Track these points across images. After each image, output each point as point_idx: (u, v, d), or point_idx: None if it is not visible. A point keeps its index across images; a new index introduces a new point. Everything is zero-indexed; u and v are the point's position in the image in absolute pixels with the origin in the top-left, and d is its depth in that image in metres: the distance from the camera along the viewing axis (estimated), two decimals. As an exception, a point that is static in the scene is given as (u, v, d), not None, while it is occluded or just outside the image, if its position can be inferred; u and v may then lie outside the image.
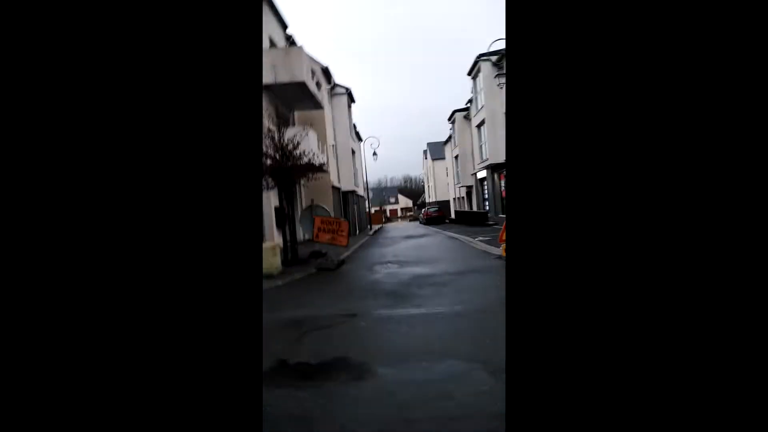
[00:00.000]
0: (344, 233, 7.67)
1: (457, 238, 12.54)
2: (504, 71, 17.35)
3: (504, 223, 6.80)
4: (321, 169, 11.12)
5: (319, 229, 7.67)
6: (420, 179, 60.88)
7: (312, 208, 8.32)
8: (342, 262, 8.04)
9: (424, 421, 2.01)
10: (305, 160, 8.03)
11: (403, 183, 74.31)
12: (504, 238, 6.71)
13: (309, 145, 9.68)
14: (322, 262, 7.57)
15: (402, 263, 7.84)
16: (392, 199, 66.39)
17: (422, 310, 4.23)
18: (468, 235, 12.63)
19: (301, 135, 8.44)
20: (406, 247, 11.32)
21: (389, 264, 7.87)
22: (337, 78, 19.20)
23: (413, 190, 68.25)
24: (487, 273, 6.13)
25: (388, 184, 73.65)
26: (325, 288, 6.03)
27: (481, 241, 10.47)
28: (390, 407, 2.18)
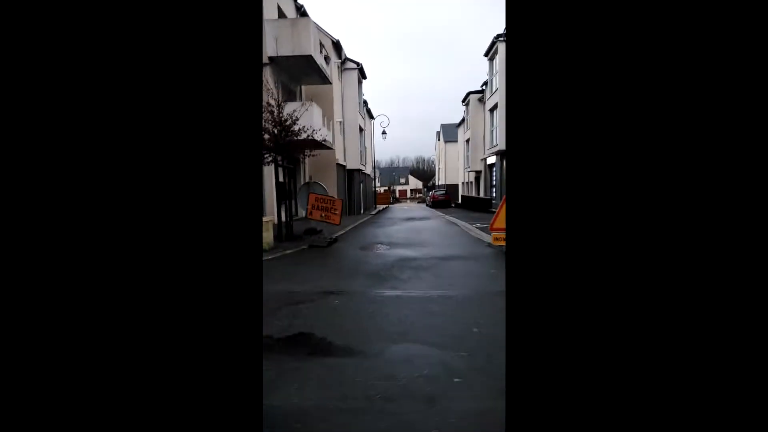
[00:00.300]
0: (338, 212, 7.73)
1: (455, 224, 12.52)
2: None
3: (496, 212, 6.74)
4: (322, 145, 11.08)
5: (313, 207, 7.74)
6: (432, 161, 60.27)
7: (309, 185, 8.36)
8: (334, 240, 8.14)
9: (360, 399, 2.10)
10: (304, 135, 8.01)
11: (415, 164, 73.77)
12: (494, 226, 6.68)
13: (311, 121, 9.64)
14: (315, 240, 7.68)
15: (392, 245, 7.91)
16: (402, 180, 66.08)
17: (397, 292, 4.31)
18: (467, 221, 12.60)
19: (300, 110, 8.40)
20: (402, 229, 11.36)
21: (379, 245, 7.94)
22: (354, 55, 18.76)
23: (425, 171, 67.72)
24: (471, 260, 6.16)
25: (401, 165, 73.21)
26: (310, 265, 6.15)
27: (478, 228, 10.45)
28: (334, 384, 2.27)
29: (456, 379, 2.29)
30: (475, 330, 3.11)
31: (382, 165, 65.81)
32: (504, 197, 6.87)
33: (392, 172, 65.20)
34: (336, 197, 8.54)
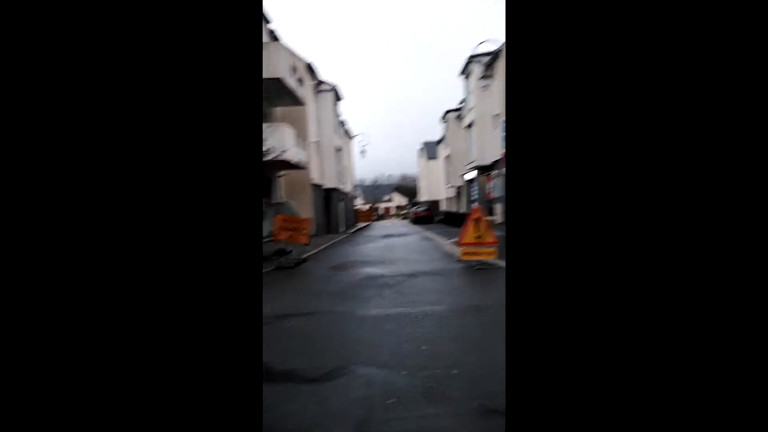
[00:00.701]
0: (305, 232, 7.65)
1: (431, 239, 12.55)
2: (489, 74, 17.34)
3: (462, 227, 6.77)
4: (291, 165, 11.07)
5: (280, 228, 7.65)
6: (416, 178, 60.82)
7: (278, 206, 8.29)
8: (303, 261, 8.02)
9: (287, 428, 2.01)
10: (271, 156, 7.99)
11: (401, 181, 74.23)
12: (462, 241, 6.69)
13: (281, 142, 9.65)
14: (282, 261, 7.55)
15: (362, 263, 7.84)
16: (387, 197, 66.42)
17: (357, 312, 4.23)
18: (444, 237, 12.65)
19: (266, 132, 8.40)
20: (376, 247, 11.31)
21: (349, 264, 7.87)
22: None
23: (410, 188, 68.17)
24: (438, 276, 6.12)
25: (386, 182, 73.60)
26: (272, 287, 6.01)
27: (452, 243, 10.48)
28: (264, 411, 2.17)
29: (390, 401, 2.23)
30: (423, 348, 3.05)
31: (367, 183, 66.07)
32: (470, 214, 6.93)
33: (376, 190, 65.50)
34: (305, 217, 8.45)
